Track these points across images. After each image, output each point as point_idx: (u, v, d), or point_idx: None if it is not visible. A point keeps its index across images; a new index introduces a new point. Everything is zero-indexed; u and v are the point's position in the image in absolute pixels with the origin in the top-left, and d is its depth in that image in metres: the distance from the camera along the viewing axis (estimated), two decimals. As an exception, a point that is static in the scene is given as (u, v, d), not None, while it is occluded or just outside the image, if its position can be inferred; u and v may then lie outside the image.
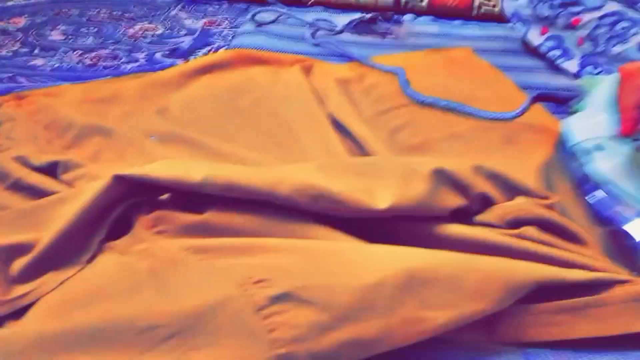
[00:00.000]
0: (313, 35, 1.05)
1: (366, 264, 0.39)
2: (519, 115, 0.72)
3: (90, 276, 0.42)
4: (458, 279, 0.39)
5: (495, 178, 0.47)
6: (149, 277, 0.40)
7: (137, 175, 0.45)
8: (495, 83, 0.88)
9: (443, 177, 0.46)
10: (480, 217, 0.47)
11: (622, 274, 0.44)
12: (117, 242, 0.45)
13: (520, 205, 0.45)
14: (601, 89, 0.55)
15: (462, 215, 0.47)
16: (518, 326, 0.40)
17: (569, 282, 0.41)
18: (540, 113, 0.76)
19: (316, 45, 0.99)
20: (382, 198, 0.44)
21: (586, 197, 0.50)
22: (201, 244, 0.43)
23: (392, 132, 0.71)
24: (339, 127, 0.71)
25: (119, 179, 0.45)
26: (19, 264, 0.43)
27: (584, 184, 0.51)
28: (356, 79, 0.85)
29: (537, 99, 0.70)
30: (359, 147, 0.66)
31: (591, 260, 0.45)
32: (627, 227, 0.47)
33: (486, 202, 0.47)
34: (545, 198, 0.46)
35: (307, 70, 0.86)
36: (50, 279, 0.42)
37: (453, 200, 0.46)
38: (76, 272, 0.43)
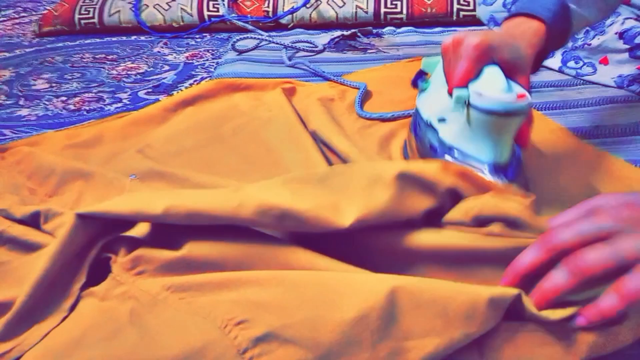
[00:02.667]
0: (290, 57, 1.05)
1: (348, 293, 0.38)
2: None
3: (71, 325, 0.41)
4: (444, 303, 0.37)
5: (465, 175, 0.45)
6: (130, 322, 0.39)
7: (98, 211, 0.44)
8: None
9: (408, 180, 0.44)
10: (448, 216, 0.44)
11: None
12: (97, 287, 0.44)
13: (484, 200, 0.43)
14: (439, 68, 0.58)
15: (436, 216, 0.45)
16: (512, 343, 0.38)
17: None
18: None
19: (291, 66, 1.00)
20: (346, 213, 0.42)
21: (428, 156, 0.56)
22: (182, 282, 0.42)
23: (378, 145, 0.70)
24: (324, 145, 0.70)
25: (82, 218, 0.44)
26: (0, 321, 0.42)
27: (435, 152, 0.55)
28: (338, 96, 0.85)
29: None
30: (339, 160, 0.66)
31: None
32: None
33: (456, 199, 0.45)
34: (522, 200, 0.44)
35: (290, 92, 0.86)
36: (33, 332, 0.41)
37: (421, 203, 0.44)
38: (60, 322, 0.42)
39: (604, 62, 0.86)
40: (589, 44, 0.86)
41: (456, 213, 0.44)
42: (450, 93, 0.52)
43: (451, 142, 0.53)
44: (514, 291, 0.39)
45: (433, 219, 0.45)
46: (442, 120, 0.56)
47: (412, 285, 0.39)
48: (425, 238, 0.43)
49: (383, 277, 0.41)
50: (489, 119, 0.50)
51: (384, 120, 0.77)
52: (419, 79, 0.63)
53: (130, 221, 0.45)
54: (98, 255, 0.45)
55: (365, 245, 0.43)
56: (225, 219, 0.42)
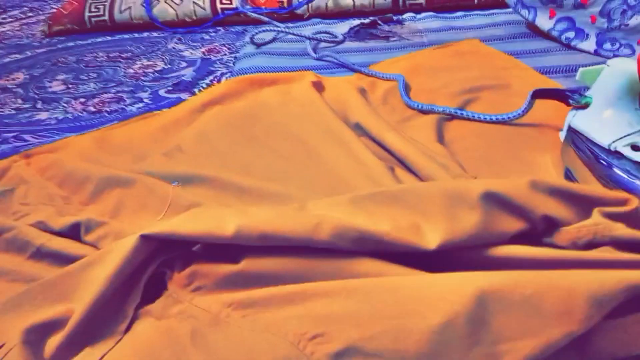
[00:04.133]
0: (315, 49, 1.02)
1: (429, 299, 0.35)
2: (522, 116, 0.67)
3: (129, 348, 0.39)
4: (537, 301, 0.34)
5: (557, 193, 0.41)
6: (192, 343, 0.37)
7: (165, 232, 0.42)
8: (511, 69, 0.84)
9: (495, 201, 0.41)
10: (548, 240, 0.42)
11: None
12: (153, 305, 0.42)
13: (595, 225, 0.40)
14: (606, 80, 0.52)
15: (526, 238, 0.42)
16: (613, 340, 0.36)
17: None
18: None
19: (318, 59, 0.96)
20: (430, 235, 0.40)
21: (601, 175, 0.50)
22: (243, 298, 0.39)
23: (434, 140, 0.67)
24: (369, 138, 0.67)
25: (146, 239, 0.42)
26: (52, 342, 0.40)
27: (632, 188, 0.48)
28: (369, 88, 0.82)
29: (537, 95, 0.66)
30: (391, 155, 0.63)
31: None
32: None
33: (552, 224, 0.42)
34: (623, 203, 0.41)
35: (318, 86, 0.83)
36: (88, 355, 0.39)
37: (511, 226, 0.41)
38: (114, 345, 0.39)
39: (643, 43, 0.82)
40: (627, 24, 0.82)
41: (559, 239, 0.41)
42: None
43: None
44: (621, 285, 0.35)
45: (523, 241, 0.41)
46: (637, 147, 0.49)
47: (500, 284, 0.36)
48: (522, 250, 0.40)
49: (467, 276, 0.38)
50: None
51: (433, 112, 0.72)
52: (575, 92, 0.57)
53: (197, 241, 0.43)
54: (154, 270, 0.43)
55: (444, 256, 0.40)
56: (300, 240, 0.40)
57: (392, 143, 0.63)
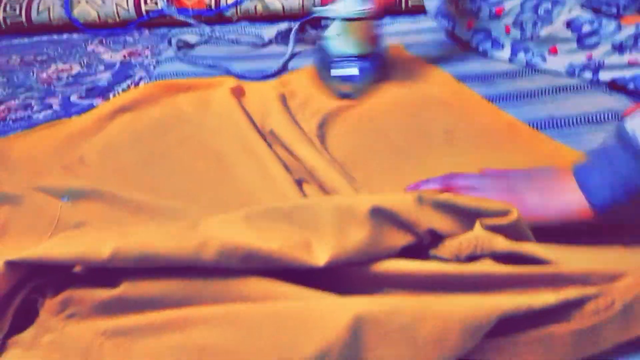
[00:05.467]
0: (179, 48, 1.01)
1: (307, 328, 0.35)
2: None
3: (-8, 384, 0.36)
4: (412, 330, 0.34)
5: (442, 207, 0.42)
6: (58, 378, 0.35)
7: (33, 258, 0.39)
8: (428, 76, 0.85)
9: (383, 216, 0.41)
10: (433, 252, 0.42)
11: (595, 282, 0.40)
12: (23, 335, 0.39)
13: (476, 238, 0.41)
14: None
15: (413, 251, 0.42)
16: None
17: (537, 309, 0.37)
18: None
19: (197, 64, 0.95)
20: (319, 252, 0.39)
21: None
22: (118, 325, 0.37)
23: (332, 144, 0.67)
24: (283, 147, 0.66)
25: (12, 265, 0.39)
26: None
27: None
28: (289, 94, 0.81)
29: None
30: (303, 170, 0.62)
31: (557, 268, 0.41)
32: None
33: (437, 236, 0.43)
34: (504, 214, 0.42)
35: (239, 92, 0.81)
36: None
37: (398, 240, 0.41)
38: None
39: (554, 51, 0.85)
40: (538, 35, 0.85)
41: (443, 251, 0.41)
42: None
43: (340, 47, 0.80)
44: (493, 313, 0.36)
45: (410, 253, 0.41)
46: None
47: (377, 311, 0.36)
48: (407, 266, 0.39)
49: (345, 303, 0.37)
50: (350, 24, 0.78)
51: None
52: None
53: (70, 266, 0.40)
54: (24, 297, 0.40)
55: (333, 272, 0.40)
56: (183, 261, 0.38)
57: (303, 155, 0.62)
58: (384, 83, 0.82)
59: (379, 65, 0.83)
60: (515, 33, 0.87)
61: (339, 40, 0.80)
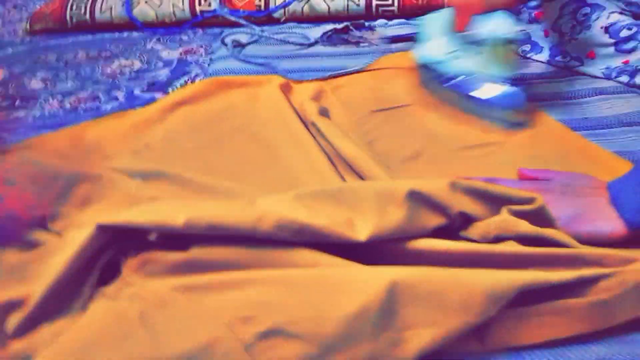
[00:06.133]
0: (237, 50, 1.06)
1: (348, 289, 0.40)
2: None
3: (83, 326, 0.43)
4: (441, 295, 0.40)
5: (473, 192, 0.47)
6: (140, 323, 0.41)
7: (120, 223, 0.46)
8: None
9: (419, 199, 0.46)
10: (463, 233, 0.47)
11: (609, 265, 0.44)
12: (108, 288, 0.46)
13: (502, 222, 0.45)
14: (435, 22, 0.77)
15: (445, 232, 0.47)
16: (509, 331, 0.41)
17: (555, 283, 0.41)
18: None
19: (248, 62, 1.00)
20: (361, 229, 0.44)
21: (445, 85, 0.75)
22: (189, 283, 0.44)
23: (371, 141, 0.72)
24: (323, 138, 0.72)
25: (102, 228, 0.46)
26: (13, 319, 0.44)
27: (443, 80, 0.75)
28: (331, 90, 0.86)
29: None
30: (343, 162, 0.67)
31: (576, 251, 0.45)
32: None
33: (468, 219, 0.48)
34: (530, 202, 0.47)
35: (286, 89, 0.87)
36: (45, 332, 0.43)
37: (432, 221, 0.46)
38: (70, 323, 0.43)
39: (591, 56, 0.87)
40: (576, 39, 0.87)
41: (471, 233, 0.46)
42: (463, 32, 0.71)
43: (469, 68, 0.73)
44: (514, 285, 0.40)
45: (442, 234, 0.47)
46: (455, 57, 0.74)
47: (410, 278, 0.41)
48: (437, 244, 0.45)
49: (383, 270, 0.43)
50: (496, 47, 0.71)
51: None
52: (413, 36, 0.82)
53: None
54: (110, 256, 0.47)
55: (372, 247, 0.45)
56: (244, 231, 0.44)
57: (344, 147, 0.68)
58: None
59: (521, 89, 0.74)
60: (554, 37, 0.90)
61: (480, 62, 0.72)
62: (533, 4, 0.92)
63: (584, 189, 0.51)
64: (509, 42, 0.72)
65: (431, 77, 0.77)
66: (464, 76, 0.73)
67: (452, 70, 0.74)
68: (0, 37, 1.31)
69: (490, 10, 0.70)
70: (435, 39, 0.77)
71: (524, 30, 0.76)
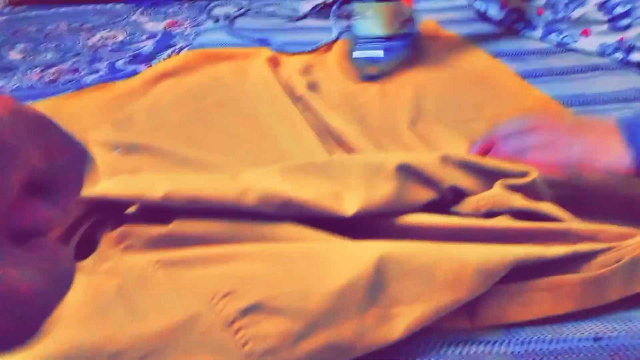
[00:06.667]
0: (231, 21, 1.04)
1: (336, 264, 0.38)
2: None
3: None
4: (430, 270, 0.38)
5: (465, 166, 0.45)
6: (117, 298, 0.39)
7: (96, 195, 0.44)
8: (460, 52, 0.87)
9: (409, 173, 0.44)
10: (454, 209, 0.45)
11: (604, 240, 0.42)
12: (84, 262, 0.44)
13: (493, 196, 0.44)
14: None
15: (436, 206, 0.45)
16: (499, 307, 0.39)
17: (548, 259, 0.40)
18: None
19: (239, 35, 0.98)
20: (349, 203, 0.43)
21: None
22: (169, 257, 0.42)
23: (361, 115, 0.70)
24: (310, 111, 0.70)
25: (76, 202, 0.43)
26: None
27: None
28: (319, 63, 0.84)
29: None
30: (332, 137, 0.65)
31: (570, 225, 0.44)
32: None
33: (459, 193, 0.46)
34: (523, 175, 0.45)
35: (274, 62, 0.84)
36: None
37: (422, 195, 0.45)
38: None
39: (585, 33, 0.86)
40: (569, 17, 0.86)
41: (463, 207, 0.44)
42: None
43: (365, 28, 0.81)
44: (505, 260, 0.39)
45: (433, 209, 0.45)
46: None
47: (399, 253, 0.39)
48: (428, 219, 0.43)
49: (371, 245, 0.41)
50: (378, 6, 0.79)
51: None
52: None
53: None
54: (85, 230, 0.45)
55: (360, 222, 0.43)
56: (227, 205, 0.42)
57: (332, 121, 0.66)
58: (414, 62, 0.84)
59: (409, 46, 0.83)
60: (547, 14, 0.88)
61: (367, 21, 0.80)
62: None
63: (592, 127, 0.51)
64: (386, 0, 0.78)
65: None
66: (362, 37, 0.82)
67: (358, 31, 0.83)
68: (-21, 8, 1.26)
69: None
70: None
71: None
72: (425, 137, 0.63)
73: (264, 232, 0.43)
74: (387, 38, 0.80)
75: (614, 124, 0.49)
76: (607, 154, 0.48)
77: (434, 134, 0.63)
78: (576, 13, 0.84)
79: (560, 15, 0.87)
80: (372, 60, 0.80)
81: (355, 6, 0.82)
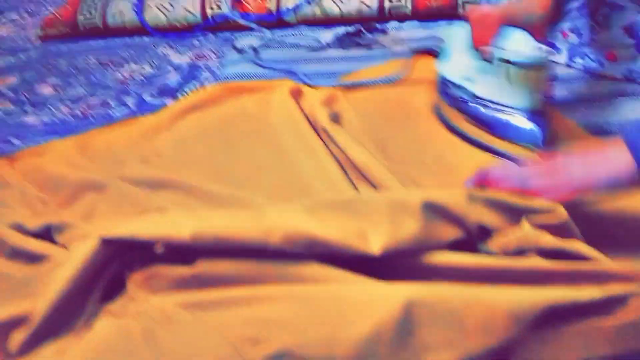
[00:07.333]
0: (256, 53, 1.05)
1: (362, 307, 0.38)
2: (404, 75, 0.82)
3: (88, 343, 0.41)
4: (460, 315, 0.37)
5: (492, 204, 0.45)
6: (144, 341, 0.40)
7: (125, 235, 0.44)
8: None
9: (435, 210, 0.44)
10: (482, 246, 0.45)
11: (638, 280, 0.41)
12: (112, 304, 0.44)
13: (523, 234, 0.43)
14: (456, 37, 0.71)
15: (462, 243, 0.45)
16: (532, 353, 0.38)
17: (582, 303, 0.39)
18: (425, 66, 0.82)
19: (265, 66, 0.98)
20: (374, 241, 0.43)
21: (464, 108, 0.68)
22: (194, 299, 0.42)
23: (384, 146, 0.70)
24: (333, 143, 0.70)
25: (107, 241, 0.44)
26: (17, 336, 0.43)
27: (467, 104, 0.68)
28: (342, 94, 0.85)
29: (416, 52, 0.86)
30: (355, 169, 0.65)
31: (602, 265, 0.43)
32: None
33: (486, 231, 0.45)
34: (550, 211, 0.44)
35: (297, 94, 0.85)
36: (50, 350, 0.42)
37: (449, 233, 0.44)
38: (74, 340, 0.42)
39: (611, 57, 0.85)
40: (595, 40, 0.85)
41: (491, 245, 0.44)
42: (481, 53, 0.65)
43: (486, 96, 0.66)
44: (538, 305, 0.38)
45: (459, 246, 0.44)
46: (468, 79, 0.69)
47: (427, 296, 0.39)
48: (456, 258, 0.43)
49: (398, 287, 0.41)
50: (526, 72, 0.63)
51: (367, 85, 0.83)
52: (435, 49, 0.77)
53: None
54: (114, 270, 0.46)
55: (387, 264, 0.43)
56: (253, 245, 0.43)
57: (355, 154, 0.66)
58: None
59: (547, 123, 0.66)
60: (572, 38, 0.88)
61: (494, 84, 0.65)
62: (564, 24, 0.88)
63: (587, 146, 0.52)
64: (538, 66, 0.64)
65: (450, 97, 0.71)
66: (483, 102, 0.66)
67: (472, 92, 0.68)
68: (13, 42, 1.31)
69: (510, 25, 0.64)
70: (456, 55, 0.72)
71: (552, 52, 0.64)
72: (453, 170, 0.62)
73: (289, 272, 0.43)
74: (535, 112, 0.65)
75: (616, 136, 0.49)
76: (609, 163, 0.47)
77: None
78: (602, 36, 0.83)
79: (584, 39, 0.86)
80: (524, 137, 0.64)
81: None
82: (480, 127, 0.67)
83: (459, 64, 0.70)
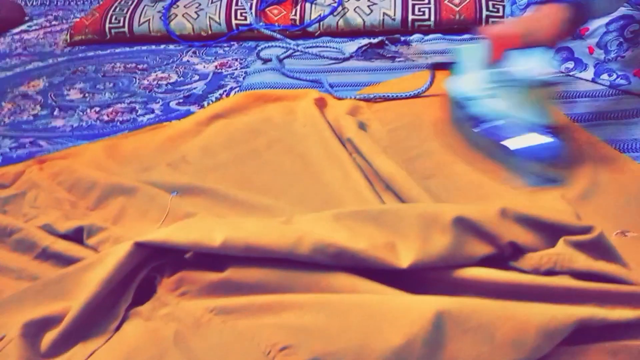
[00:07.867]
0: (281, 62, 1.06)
1: (392, 318, 0.38)
2: (429, 87, 0.84)
3: (118, 346, 0.42)
4: (490, 329, 0.37)
5: (525, 221, 0.44)
6: (174, 344, 0.40)
7: (158, 241, 0.45)
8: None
9: (466, 226, 0.44)
10: (513, 264, 0.44)
11: None
12: (142, 307, 0.45)
13: (557, 254, 0.43)
14: (472, 54, 0.73)
15: (493, 259, 0.44)
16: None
17: (613, 322, 0.38)
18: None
19: (290, 76, 0.99)
20: (403, 255, 0.43)
21: (475, 129, 0.69)
22: (224, 304, 0.42)
23: (409, 158, 0.70)
24: (359, 154, 0.70)
25: (139, 246, 0.45)
26: (48, 337, 0.44)
27: (481, 122, 0.68)
28: (366, 105, 0.85)
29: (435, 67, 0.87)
30: (380, 179, 0.66)
31: (636, 288, 0.42)
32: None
33: (517, 248, 0.45)
34: (587, 231, 0.44)
35: (321, 104, 0.86)
36: (79, 351, 0.42)
37: (480, 249, 0.44)
38: (104, 343, 0.43)
39: (639, 74, 0.84)
40: (623, 56, 0.84)
41: (525, 264, 0.43)
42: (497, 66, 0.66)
43: (504, 111, 0.67)
44: (570, 320, 0.38)
45: (490, 262, 0.44)
46: (482, 96, 0.69)
47: (458, 309, 0.39)
48: (487, 273, 0.42)
49: (428, 299, 0.41)
50: (544, 89, 0.65)
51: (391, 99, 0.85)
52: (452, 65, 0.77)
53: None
54: (145, 274, 0.46)
55: (415, 274, 0.43)
56: (282, 253, 0.43)
57: (381, 165, 0.66)
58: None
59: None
60: (599, 53, 0.87)
61: (512, 100, 0.66)
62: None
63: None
64: (546, 85, 0.65)
65: (462, 116, 0.71)
66: (496, 120, 0.66)
67: (484, 111, 0.68)
68: (42, 48, 1.34)
69: (529, 46, 0.64)
70: (470, 72, 0.72)
71: (562, 73, 0.71)
72: (480, 187, 0.62)
73: (318, 281, 0.43)
74: (550, 128, 0.65)
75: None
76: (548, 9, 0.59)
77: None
78: (630, 53, 0.83)
79: (612, 55, 0.85)
80: (541, 154, 0.63)
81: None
82: (494, 143, 0.66)
83: (472, 80, 0.71)
